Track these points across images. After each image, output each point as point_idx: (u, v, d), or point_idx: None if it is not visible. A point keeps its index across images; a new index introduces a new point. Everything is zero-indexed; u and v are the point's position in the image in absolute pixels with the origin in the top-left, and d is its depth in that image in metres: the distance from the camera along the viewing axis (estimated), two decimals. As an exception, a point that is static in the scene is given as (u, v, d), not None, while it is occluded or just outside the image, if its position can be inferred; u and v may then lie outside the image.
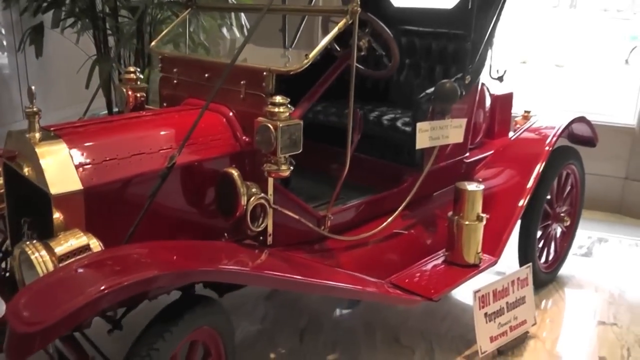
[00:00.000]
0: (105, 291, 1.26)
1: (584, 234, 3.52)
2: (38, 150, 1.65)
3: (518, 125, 3.13)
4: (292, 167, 1.85)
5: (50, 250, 1.47)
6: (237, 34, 3.42)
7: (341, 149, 2.15)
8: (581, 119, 2.93)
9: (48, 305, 1.26)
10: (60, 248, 1.48)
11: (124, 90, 2.33)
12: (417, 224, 2.51)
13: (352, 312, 2.79)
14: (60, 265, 1.46)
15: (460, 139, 2.45)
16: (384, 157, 2.54)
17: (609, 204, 3.97)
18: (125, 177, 1.75)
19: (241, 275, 1.67)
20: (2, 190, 1.97)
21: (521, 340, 2.55)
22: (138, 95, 2.34)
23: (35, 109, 1.75)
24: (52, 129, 1.83)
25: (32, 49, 3.29)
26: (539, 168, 2.66)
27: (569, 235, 3.09)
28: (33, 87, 1.79)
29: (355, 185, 2.31)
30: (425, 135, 2.32)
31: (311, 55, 1.88)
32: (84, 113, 2.38)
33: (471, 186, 2.40)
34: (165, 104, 2.33)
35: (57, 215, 1.61)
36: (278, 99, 1.80)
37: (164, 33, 2.50)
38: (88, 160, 1.70)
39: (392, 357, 2.44)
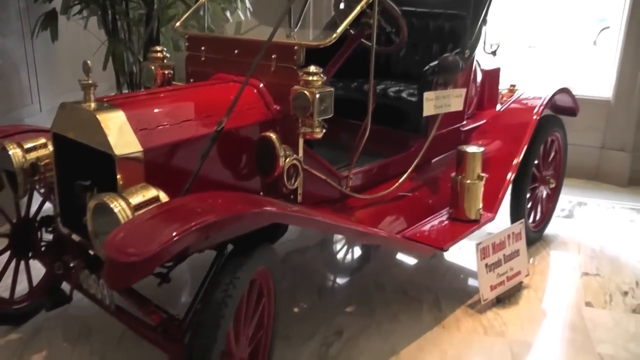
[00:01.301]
0: (199, 225, 1.46)
1: (565, 199, 3.83)
2: (100, 117, 1.80)
3: (504, 99, 3.42)
4: (324, 130, 2.08)
5: (126, 201, 1.66)
6: (242, 16, 3.62)
7: (352, 119, 2.38)
8: (564, 90, 3.22)
9: (144, 240, 1.44)
10: (135, 199, 1.66)
11: (152, 67, 2.52)
12: (422, 185, 2.77)
13: (361, 273, 3.04)
14: (137, 213, 1.64)
15: (460, 107, 2.71)
16: (392, 125, 2.78)
17: (586, 171, 4.30)
18: (177, 140, 1.94)
19: (306, 219, 1.90)
20: (46, 161, 2.13)
21: (516, 290, 2.83)
22: (165, 72, 2.53)
23: (90, 82, 1.90)
24: (104, 99, 1.99)
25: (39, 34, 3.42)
26: (528, 135, 2.94)
27: (553, 197, 3.40)
28: (89, 62, 1.94)
29: (366, 151, 2.55)
30: (431, 103, 2.57)
31: (339, 30, 2.11)
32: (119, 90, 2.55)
33: (472, 149, 2.67)
34: (192, 80, 2.52)
35: (120, 176, 1.80)
36: (312, 68, 2.02)
37: (185, 16, 2.68)
38: (144, 126, 1.87)
39: (403, 307, 2.70)
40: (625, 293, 2.88)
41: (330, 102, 2.05)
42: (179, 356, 1.82)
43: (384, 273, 3.01)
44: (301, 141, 2.13)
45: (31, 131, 2.36)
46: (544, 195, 3.34)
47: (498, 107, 3.37)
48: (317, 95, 1.99)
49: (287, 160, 2.08)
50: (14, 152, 2.08)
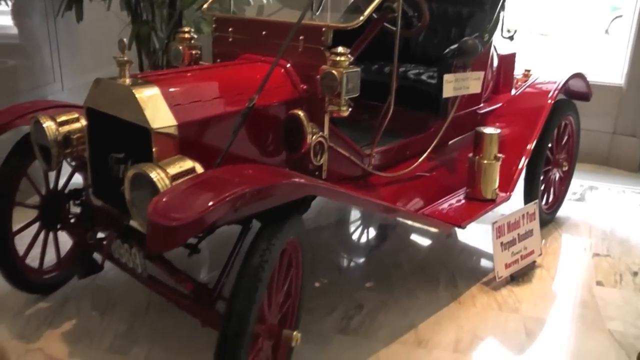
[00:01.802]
0: (239, 192, 1.53)
1: (576, 183, 3.89)
2: (136, 92, 1.86)
3: (519, 83, 3.48)
4: (350, 108, 2.15)
5: (164, 171, 1.72)
6: (264, 0, 3.69)
7: (372, 101, 2.46)
8: (578, 75, 3.28)
9: (187, 205, 1.51)
10: (173, 169, 1.73)
11: (180, 48, 2.59)
12: (440, 166, 2.84)
13: (378, 251, 3.13)
14: (174, 183, 1.71)
15: (478, 89, 2.77)
16: (411, 106, 2.85)
17: (597, 156, 4.37)
18: (210, 116, 2.00)
19: (338, 193, 1.98)
20: (78, 135, 2.19)
21: (530, 268, 2.91)
22: (193, 52, 2.60)
23: (126, 59, 1.97)
24: (138, 76, 2.06)
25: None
26: (543, 118, 3.00)
27: (565, 180, 3.47)
28: (125, 39, 2.01)
29: (387, 131, 2.61)
30: (450, 85, 2.63)
31: (366, 12, 2.18)
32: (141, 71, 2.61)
33: (489, 130, 2.74)
34: (219, 60, 2.59)
35: (155, 149, 1.87)
36: (340, 49, 2.09)
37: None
38: (178, 102, 1.93)
39: (421, 284, 2.78)
40: (635, 273, 2.96)
41: (357, 82, 2.12)
42: (210, 322, 1.92)
43: (401, 252, 3.09)
44: (327, 119, 2.20)
45: (62, 106, 2.43)
46: (557, 178, 3.40)
47: (513, 91, 3.43)
48: (345, 75, 2.06)
49: (314, 137, 2.16)
50: (48, 125, 2.15)
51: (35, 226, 2.49)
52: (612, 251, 3.18)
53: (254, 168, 1.92)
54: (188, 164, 1.76)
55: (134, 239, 2.03)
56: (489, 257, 3.02)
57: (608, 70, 4.39)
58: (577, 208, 3.69)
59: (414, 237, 3.31)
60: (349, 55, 2.10)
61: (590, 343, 2.42)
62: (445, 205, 2.67)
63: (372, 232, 3.37)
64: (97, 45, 4.08)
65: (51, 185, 2.47)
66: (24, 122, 2.30)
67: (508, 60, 3.41)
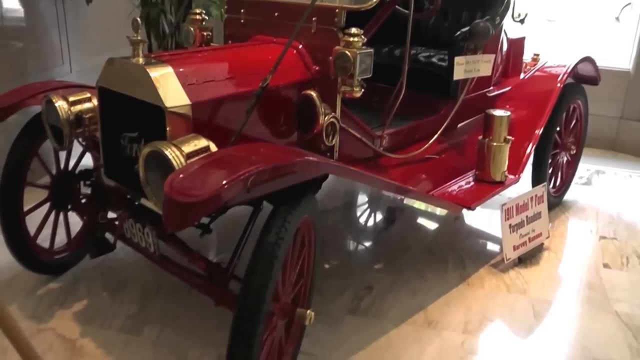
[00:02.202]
0: (258, 169, 1.54)
1: (583, 167, 3.89)
2: (149, 71, 1.85)
3: (528, 67, 3.47)
4: (363, 89, 2.15)
5: (179, 149, 1.72)
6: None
7: (383, 83, 2.45)
8: (587, 59, 3.27)
9: (204, 182, 1.51)
10: (188, 147, 1.73)
11: (192, 29, 2.58)
12: (450, 148, 2.84)
13: (387, 234, 3.14)
14: (189, 161, 1.71)
15: (488, 72, 2.77)
16: (422, 89, 2.85)
17: (604, 141, 4.37)
18: (223, 96, 2.00)
19: (353, 172, 2.00)
20: (89, 114, 2.18)
21: (537, 251, 2.92)
22: (205, 33, 2.59)
23: (139, 38, 1.96)
24: (151, 56, 2.06)
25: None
26: (552, 101, 3.00)
27: (573, 163, 3.48)
28: (138, 19, 2.00)
29: (397, 113, 2.61)
30: (461, 68, 2.63)
31: (379, -7, 2.17)
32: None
33: (499, 112, 2.74)
34: (230, 42, 2.58)
35: (169, 128, 1.87)
36: (353, 30, 2.08)
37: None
38: (191, 81, 1.92)
39: (430, 266, 2.80)
40: (642, 256, 2.99)
41: (370, 63, 2.11)
42: (224, 301, 1.93)
43: (409, 234, 3.10)
44: (339, 100, 2.20)
45: (73, 86, 2.43)
46: (564, 162, 3.41)
47: (522, 75, 3.42)
48: (358, 55, 2.06)
49: (326, 118, 2.16)
50: (60, 104, 2.14)
51: (46, 207, 2.50)
52: (618, 234, 3.19)
53: (269, 147, 1.92)
54: (203, 142, 1.76)
55: (147, 219, 2.04)
56: (496, 239, 3.04)
57: (616, 56, 4.38)
58: (584, 192, 3.70)
59: (422, 220, 3.32)
60: (363, 36, 2.09)
61: (598, 325, 2.44)
62: (455, 187, 2.68)
63: (380, 215, 3.38)
64: (106, 27, 4.08)
65: (61, 166, 2.48)
66: (35, 102, 2.30)
67: (517, 44, 3.40)
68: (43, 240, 2.52)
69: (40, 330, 2.28)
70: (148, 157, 1.77)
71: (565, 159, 3.40)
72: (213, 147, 1.79)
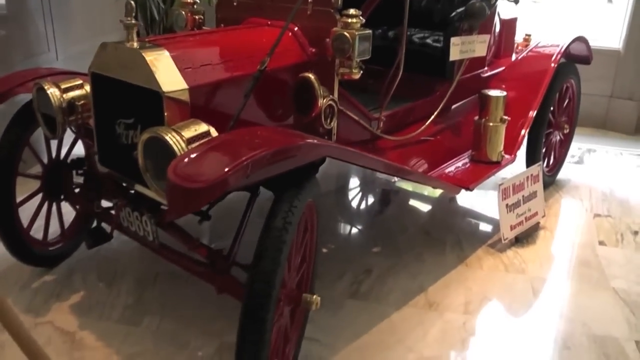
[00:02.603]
0: (262, 153, 1.51)
1: (575, 146, 3.89)
2: (146, 55, 1.80)
3: (520, 48, 3.46)
4: (362, 71, 2.12)
5: (179, 134, 1.67)
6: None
7: (377, 66, 2.42)
8: (580, 39, 3.27)
9: (209, 167, 1.47)
10: (188, 132, 1.68)
11: (183, 13, 2.52)
12: (445, 129, 2.83)
13: (383, 216, 3.13)
14: (190, 146, 1.67)
15: (483, 53, 2.75)
16: (417, 70, 2.82)
17: (595, 119, 4.40)
18: (220, 79, 1.96)
19: (357, 155, 1.97)
20: (82, 102, 2.12)
21: (534, 230, 2.93)
22: (196, 17, 2.54)
23: (133, 22, 1.91)
24: (146, 39, 2.01)
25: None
26: (546, 81, 2.99)
27: (566, 142, 3.49)
28: (132, 2, 1.95)
29: (393, 95, 2.59)
30: (457, 48, 2.61)
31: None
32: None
33: (495, 92, 2.73)
34: (222, 25, 2.53)
35: (167, 113, 1.82)
36: (352, 11, 2.05)
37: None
38: (188, 65, 1.88)
39: (427, 248, 2.79)
40: (636, 232, 3.01)
41: (368, 44, 2.08)
42: (226, 288, 1.91)
43: (405, 216, 3.10)
44: (337, 82, 2.17)
45: (63, 73, 2.37)
46: (557, 141, 3.42)
47: (514, 56, 3.41)
48: (357, 37, 2.03)
49: (325, 100, 2.13)
50: (52, 91, 2.08)
51: (38, 197, 2.45)
52: (612, 211, 3.21)
53: (270, 130, 1.89)
54: (203, 127, 1.72)
55: (145, 207, 2.00)
56: (491, 219, 3.05)
57: (606, 36, 4.39)
58: (576, 170, 3.72)
59: (416, 202, 3.31)
60: (361, 17, 2.06)
61: (596, 301, 2.45)
62: (452, 168, 2.67)
63: (372, 199, 3.36)
64: (91, 14, 4.00)
65: (53, 155, 2.43)
66: (24, 90, 2.24)
67: (510, 25, 3.38)
68: (36, 232, 2.47)
69: (37, 324, 2.24)
70: (147, 143, 1.73)
71: (558, 138, 3.41)
72: (213, 132, 1.75)
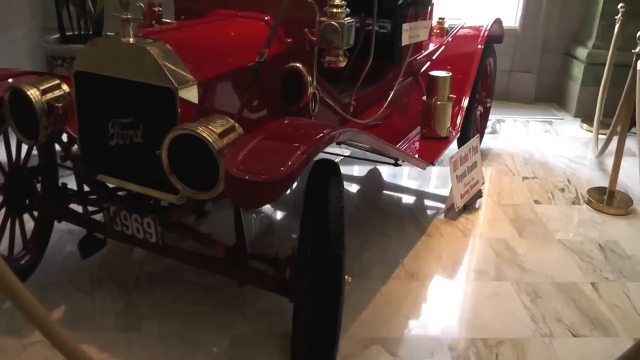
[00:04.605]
0: (314, 145, 1.55)
1: (486, 118, 4.28)
2: (152, 51, 1.75)
3: (436, 30, 3.72)
4: (347, 59, 2.20)
5: (212, 130, 1.65)
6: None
7: None
8: (497, 21, 3.58)
9: (272, 161, 1.50)
10: (218, 128, 1.66)
11: (142, 5, 2.44)
12: (395, 110, 2.99)
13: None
14: (223, 140, 1.66)
15: (426, 37, 2.95)
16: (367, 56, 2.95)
17: (498, 93, 4.79)
18: (221, 73, 1.95)
19: (368, 137, 2.09)
20: (60, 103, 1.97)
21: (478, 196, 3.20)
22: (155, 9, 2.46)
23: (130, 16, 1.84)
24: (140, 34, 1.91)
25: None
26: (477, 60, 3.27)
27: (485, 115, 3.83)
28: (115, -6, 1.87)
29: (348, 81, 2.69)
30: (407, 34, 2.77)
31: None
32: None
33: (442, 73, 2.94)
34: (182, 17, 2.47)
35: (180, 110, 1.75)
36: (337, 1, 2.12)
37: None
38: (191, 59, 1.84)
39: (388, 222, 2.96)
40: (562, 190, 3.40)
41: (353, 33, 2.18)
42: (248, 279, 1.93)
43: (354, 196, 3.24)
44: (315, 71, 2.23)
45: (29, 73, 2.23)
46: (479, 115, 3.73)
47: (432, 39, 3.64)
48: (346, 26, 2.11)
49: (310, 89, 2.19)
50: (33, 92, 1.95)
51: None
52: (537, 173, 3.59)
53: (298, 121, 1.93)
54: (229, 121, 1.72)
55: (146, 208, 1.96)
56: (429, 192, 3.33)
57: (504, 16, 4.79)
58: (493, 140, 4.08)
59: (355, 182, 3.46)
60: (346, 7, 2.14)
61: (548, 254, 2.76)
62: (409, 145, 2.85)
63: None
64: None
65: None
66: None
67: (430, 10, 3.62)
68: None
69: (26, 345, 2.09)
70: (177, 142, 1.68)
71: (479, 112, 3.72)
72: (237, 126, 1.75)
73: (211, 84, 1.91)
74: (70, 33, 3.40)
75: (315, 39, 2.18)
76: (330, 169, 1.76)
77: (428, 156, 2.75)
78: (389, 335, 2.20)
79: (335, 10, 2.13)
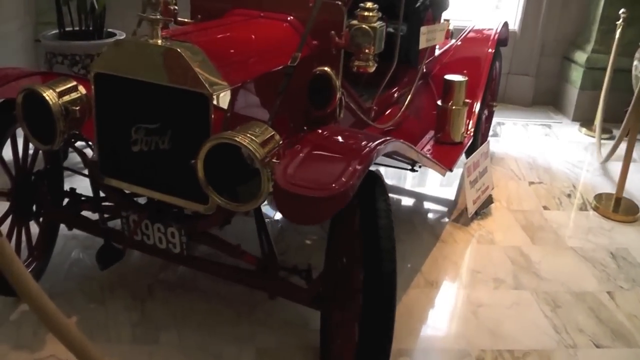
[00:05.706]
0: (368, 158, 1.50)
1: (486, 121, 4.27)
2: (184, 54, 1.67)
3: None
4: (376, 64, 2.14)
5: (253, 140, 1.56)
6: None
7: None
8: (504, 24, 3.56)
9: (326, 175, 1.44)
10: (259, 137, 1.57)
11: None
12: (410, 114, 2.94)
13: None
14: (265, 149, 1.58)
15: (442, 40, 2.92)
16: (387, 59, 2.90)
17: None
18: (251, 77, 1.87)
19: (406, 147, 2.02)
20: (76, 107, 1.87)
21: (489, 202, 3.18)
22: (171, 7, 2.36)
23: (158, 17, 1.75)
24: (167, 36, 1.83)
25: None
26: (488, 64, 3.24)
27: (490, 118, 3.81)
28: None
29: (369, 83, 2.63)
30: (424, 37, 2.73)
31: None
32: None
33: (458, 78, 2.90)
34: (199, 16, 2.38)
35: (214, 116, 1.67)
36: (369, 4, 2.06)
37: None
38: (222, 63, 1.76)
39: (399, 228, 2.84)
40: (569, 195, 3.39)
41: (384, 37, 2.12)
42: (279, 291, 1.87)
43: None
44: (341, 75, 2.17)
45: (37, 74, 2.12)
46: (484, 118, 3.71)
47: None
48: (378, 30, 2.05)
49: (338, 94, 2.13)
50: (49, 94, 1.84)
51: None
52: (542, 178, 3.59)
53: (342, 132, 1.85)
54: (268, 130, 1.64)
55: (170, 217, 1.88)
56: (438, 197, 3.28)
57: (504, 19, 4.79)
58: (495, 143, 4.07)
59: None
60: (378, 11, 2.08)
61: (562, 261, 2.75)
62: (428, 150, 2.80)
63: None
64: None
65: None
66: (6, 94, 1.96)
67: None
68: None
69: None
70: (215, 151, 1.60)
71: (485, 115, 3.70)
72: (276, 134, 1.68)
73: (242, 89, 1.83)
74: (70, 29, 3.26)
75: (342, 42, 2.12)
76: (376, 180, 1.70)
77: (445, 162, 2.71)
78: (416, 346, 2.16)
79: (366, 13, 2.07)
